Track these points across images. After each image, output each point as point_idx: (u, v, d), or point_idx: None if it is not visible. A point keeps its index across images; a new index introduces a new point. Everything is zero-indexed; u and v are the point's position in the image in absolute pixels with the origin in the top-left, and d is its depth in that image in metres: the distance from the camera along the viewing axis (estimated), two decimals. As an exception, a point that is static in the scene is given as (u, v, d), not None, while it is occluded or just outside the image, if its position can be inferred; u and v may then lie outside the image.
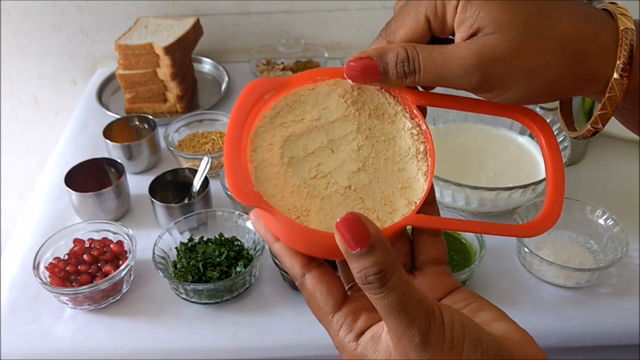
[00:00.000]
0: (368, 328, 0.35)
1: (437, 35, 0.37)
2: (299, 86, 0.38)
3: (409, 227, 0.38)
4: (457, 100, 0.40)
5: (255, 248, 0.79)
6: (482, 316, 0.36)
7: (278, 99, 0.38)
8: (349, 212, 0.31)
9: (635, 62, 0.35)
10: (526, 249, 0.77)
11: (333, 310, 0.36)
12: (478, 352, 0.32)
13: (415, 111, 0.39)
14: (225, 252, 0.77)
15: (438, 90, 0.39)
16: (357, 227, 0.31)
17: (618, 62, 0.35)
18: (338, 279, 0.37)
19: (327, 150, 0.37)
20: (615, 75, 0.35)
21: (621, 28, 0.35)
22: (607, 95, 0.36)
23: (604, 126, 0.38)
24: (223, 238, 0.81)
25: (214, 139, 1.01)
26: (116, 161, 0.92)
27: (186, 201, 0.88)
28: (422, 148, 0.39)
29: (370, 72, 0.36)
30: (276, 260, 0.76)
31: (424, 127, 0.39)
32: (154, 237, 0.79)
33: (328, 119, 0.38)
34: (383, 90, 0.39)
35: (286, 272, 0.75)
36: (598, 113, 0.37)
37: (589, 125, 0.38)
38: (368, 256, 0.31)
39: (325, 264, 0.37)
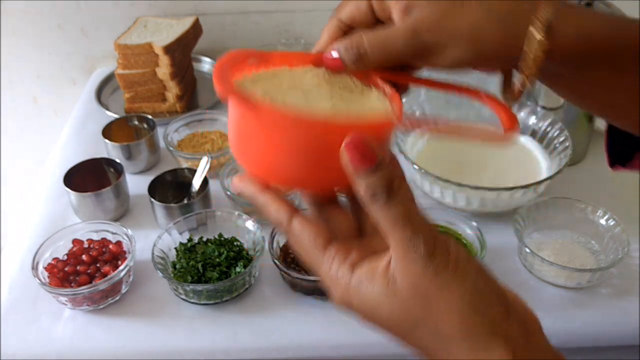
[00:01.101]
0: (361, 260, 0.35)
1: (381, 19, 0.42)
2: (278, 66, 0.42)
3: None
4: (420, 80, 0.44)
5: (255, 248, 0.79)
6: None
7: (259, 70, 0.42)
8: (353, 135, 0.33)
9: (556, 25, 0.37)
10: (527, 249, 0.77)
11: (324, 246, 0.36)
12: (481, 281, 0.33)
13: (381, 84, 0.42)
14: (225, 252, 0.77)
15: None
16: (363, 146, 0.33)
17: (538, 22, 0.37)
18: (323, 224, 0.37)
19: (304, 104, 0.40)
20: (537, 36, 0.37)
21: None
22: (531, 56, 0.38)
23: (531, 86, 0.41)
24: (223, 238, 0.81)
25: (213, 139, 1.01)
26: (115, 161, 0.92)
27: (185, 201, 0.88)
28: (389, 107, 0.41)
29: (335, 64, 0.41)
30: (276, 261, 0.76)
31: (389, 91, 0.41)
32: (153, 237, 0.79)
33: (304, 87, 0.41)
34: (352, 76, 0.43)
35: (286, 273, 0.75)
36: (525, 73, 0.39)
37: (518, 84, 0.41)
38: (377, 171, 0.32)
39: (317, 219, 0.38)
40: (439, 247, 0.33)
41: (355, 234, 0.39)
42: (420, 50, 0.39)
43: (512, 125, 0.40)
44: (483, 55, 0.39)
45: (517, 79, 0.42)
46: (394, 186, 0.33)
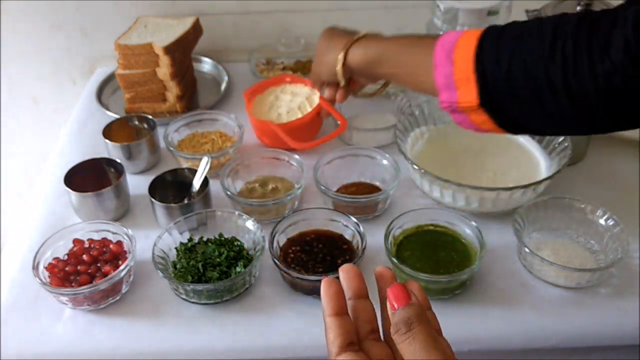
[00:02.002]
0: None
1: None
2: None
3: None
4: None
5: (255, 248, 0.79)
6: None
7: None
8: (398, 283, 0.40)
9: (348, 55, 0.80)
10: (527, 249, 0.77)
11: None
12: None
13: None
14: (225, 252, 0.77)
15: None
16: (404, 291, 0.40)
17: (341, 54, 0.81)
18: None
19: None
20: (339, 63, 0.82)
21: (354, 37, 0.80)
22: (339, 71, 0.83)
23: (344, 87, 0.87)
24: (223, 238, 0.81)
25: (213, 139, 1.01)
26: (116, 161, 0.92)
27: (186, 201, 0.88)
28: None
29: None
30: (276, 261, 0.76)
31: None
32: (153, 237, 0.79)
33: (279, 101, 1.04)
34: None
35: (286, 273, 0.75)
36: (340, 80, 0.85)
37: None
38: (405, 308, 0.38)
39: (361, 352, 0.41)
40: None
41: None
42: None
43: (342, 120, 0.96)
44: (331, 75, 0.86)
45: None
46: (413, 321, 0.38)
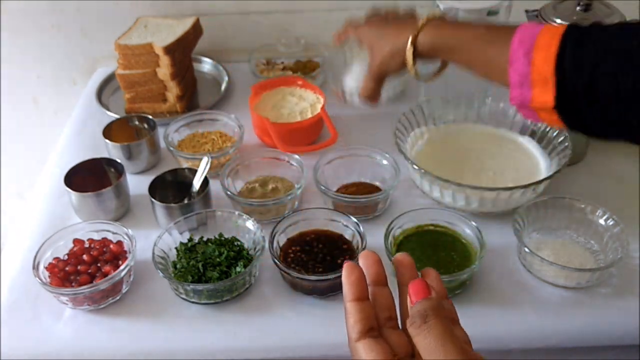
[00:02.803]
0: None
1: None
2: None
3: None
4: None
5: (255, 248, 0.79)
6: None
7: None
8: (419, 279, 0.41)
9: (419, 38, 0.74)
10: (526, 249, 0.77)
11: None
12: None
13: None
14: (225, 252, 0.77)
15: None
16: (424, 285, 0.40)
17: (411, 38, 0.74)
18: (387, 350, 0.40)
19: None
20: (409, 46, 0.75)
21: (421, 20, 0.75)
22: (409, 57, 0.76)
23: (414, 72, 0.77)
24: (223, 238, 0.81)
25: (213, 139, 1.01)
26: (116, 161, 0.92)
27: (186, 201, 0.88)
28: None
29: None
30: (276, 261, 0.76)
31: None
32: (153, 237, 0.79)
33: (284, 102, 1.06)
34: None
35: (286, 273, 0.75)
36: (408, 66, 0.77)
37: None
38: (423, 301, 0.39)
39: (381, 337, 0.41)
40: None
41: (410, 353, 0.42)
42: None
43: (334, 133, 0.97)
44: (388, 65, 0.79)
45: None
46: (429, 314, 0.38)
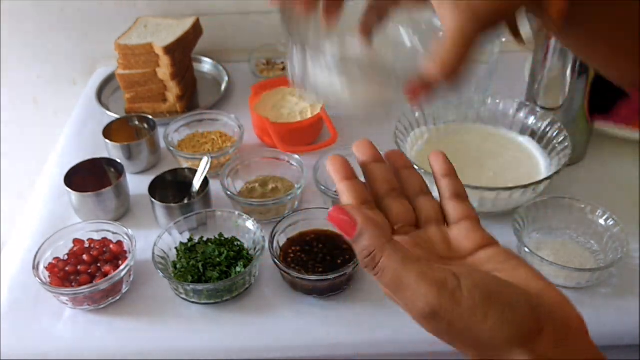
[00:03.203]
0: None
1: None
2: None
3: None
4: None
5: (255, 248, 0.79)
6: (521, 273, 0.37)
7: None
8: (334, 206, 0.36)
9: None
10: (526, 249, 0.77)
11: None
12: (508, 314, 0.33)
13: None
14: (225, 252, 0.77)
15: None
16: (344, 216, 0.36)
17: None
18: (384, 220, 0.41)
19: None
20: None
21: None
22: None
23: (558, 24, 0.42)
24: (223, 238, 0.81)
25: (214, 139, 1.01)
26: (116, 161, 0.92)
27: (186, 201, 0.88)
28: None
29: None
30: (276, 261, 0.76)
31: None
32: (153, 237, 0.79)
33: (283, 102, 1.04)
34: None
35: (286, 273, 0.75)
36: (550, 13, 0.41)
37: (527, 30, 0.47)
38: (358, 241, 0.35)
39: (376, 209, 0.41)
40: (444, 296, 0.33)
41: (440, 218, 0.42)
42: None
43: (334, 133, 0.96)
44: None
45: (523, 26, 0.44)
46: (376, 254, 0.35)
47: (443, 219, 0.43)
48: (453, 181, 0.44)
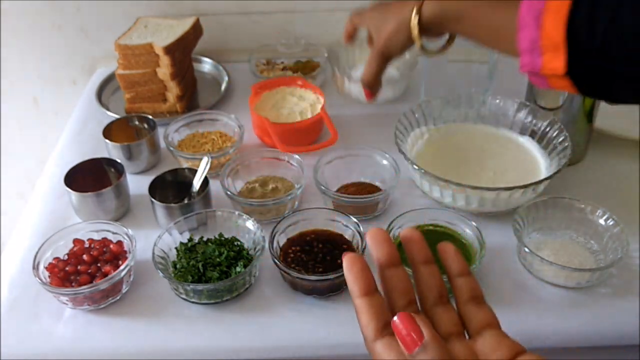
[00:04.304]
0: None
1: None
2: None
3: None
4: None
5: (255, 248, 0.79)
6: None
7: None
8: (401, 313, 0.36)
9: (422, 11, 0.72)
10: (526, 249, 0.77)
11: None
12: None
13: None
14: (225, 252, 0.77)
15: None
16: (412, 325, 0.35)
17: (414, 11, 0.72)
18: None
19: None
20: (414, 19, 0.72)
21: None
22: (415, 28, 0.73)
23: (419, 44, 0.75)
24: (223, 238, 0.81)
25: (214, 139, 1.01)
26: (116, 161, 0.92)
27: (186, 201, 0.88)
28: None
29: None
30: (276, 261, 0.76)
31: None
32: (153, 237, 0.79)
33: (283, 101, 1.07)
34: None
35: (286, 273, 0.75)
36: (414, 38, 0.74)
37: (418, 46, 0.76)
38: (417, 354, 0.34)
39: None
40: None
41: (460, 330, 0.40)
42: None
43: (334, 133, 0.97)
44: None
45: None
46: None
47: (463, 329, 0.40)
48: (469, 281, 0.41)
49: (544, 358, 0.38)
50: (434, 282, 0.41)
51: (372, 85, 0.82)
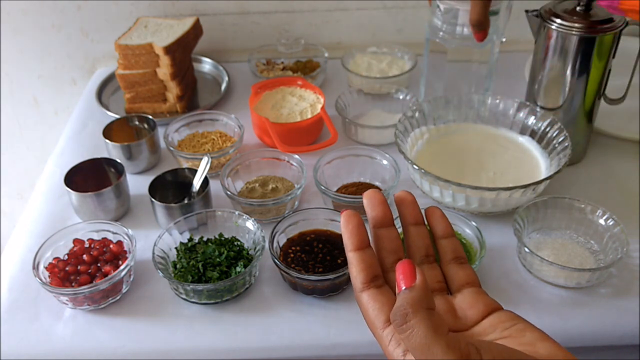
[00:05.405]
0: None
1: None
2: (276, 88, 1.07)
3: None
4: None
5: (255, 248, 0.79)
6: (527, 337, 0.38)
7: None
8: (407, 260, 0.37)
9: None
10: (526, 249, 0.77)
11: (383, 326, 0.38)
12: None
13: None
14: (225, 252, 0.77)
15: None
16: (411, 269, 0.36)
17: None
18: (392, 299, 0.39)
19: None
20: None
21: None
22: None
23: None
24: (223, 238, 0.81)
25: (213, 139, 1.01)
26: (116, 161, 0.92)
27: (186, 201, 0.88)
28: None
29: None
30: (276, 260, 0.76)
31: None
32: (153, 237, 0.79)
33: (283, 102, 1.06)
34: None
35: (286, 273, 0.75)
36: None
37: None
38: (404, 293, 0.35)
39: (386, 285, 0.40)
40: None
41: (443, 287, 0.42)
42: None
43: (334, 133, 0.96)
44: None
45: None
46: (409, 313, 0.35)
47: (446, 287, 0.43)
48: (452, 242, 0.44)
49: (518, 315, 0.40)
50: (422, 242, 0.44)
51: (482, 23, 0.81)
